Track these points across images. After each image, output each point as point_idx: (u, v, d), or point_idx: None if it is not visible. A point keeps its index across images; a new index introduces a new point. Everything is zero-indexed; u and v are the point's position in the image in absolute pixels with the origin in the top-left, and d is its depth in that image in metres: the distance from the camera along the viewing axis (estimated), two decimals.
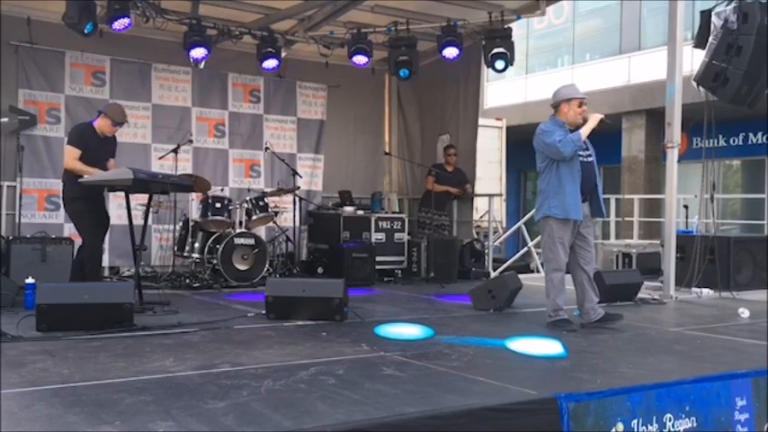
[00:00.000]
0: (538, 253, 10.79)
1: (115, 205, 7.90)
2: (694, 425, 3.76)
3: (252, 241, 8.15)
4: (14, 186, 8.11)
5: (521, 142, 12.83)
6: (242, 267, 8.07)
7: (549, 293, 5.70)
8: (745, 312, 6.63)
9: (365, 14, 9.15)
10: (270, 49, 9.00)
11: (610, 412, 3.52)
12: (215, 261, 7.99)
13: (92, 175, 6.18)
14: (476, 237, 10.49)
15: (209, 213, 8.22)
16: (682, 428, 3.72)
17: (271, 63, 9.08)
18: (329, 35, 9.46)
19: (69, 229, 7.49)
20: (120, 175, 6.01)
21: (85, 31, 7.38)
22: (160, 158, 8.55)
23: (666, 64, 7.90)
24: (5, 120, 7.94)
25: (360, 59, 9.10)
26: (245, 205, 8.44)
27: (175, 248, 8.37)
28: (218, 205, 8.26)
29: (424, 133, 11.00)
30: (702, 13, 7.17)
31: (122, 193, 6.37)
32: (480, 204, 11.49)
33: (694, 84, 7.18)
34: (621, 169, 16.99)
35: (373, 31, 9.19)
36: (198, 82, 9.42)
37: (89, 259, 6.39)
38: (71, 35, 7.57)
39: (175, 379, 3.75)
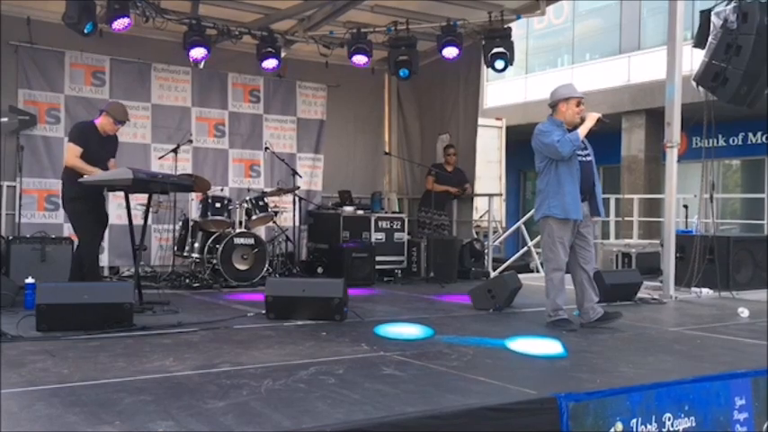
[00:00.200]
0: (537, 253, 10.79)
1: (115, 205, 7.92)
2: (693, 424, 3.76)
3: (252, 241, 8.16)
4: (14, 186, 8.11)
5: (520, 142, 12.78)
6: (242, 267, 8.07)
7: (549, 293, 5.70)
8: (744, 312, 6.63)
9: (365, 14, 9.15)
10: (270, 49, 9.00)
11: (609, 412, 3.53)
12: (215, 261, 7.99)
13: (92, 173, 6.19)
14: (475, 236, 10.49)
15: (209, 213, 8.22)
16: (681, 428, 3.73)
17: (270, 63, 9.08)
18: (329, 35, 9.45)
19: (69, 229, 7.47)
20: (120, 174, 6.01)
21: (85, 31, 7.38)
22: (160, 158, 8.55)
23: (666, 64, 7.91)
24: (5, 120, 7.94)
25: (359, 59, 9.10)
26: (245, 205, 8.45)
27: (175, 248, 8.38)
28: (217, 205, 8.26)
29: (423, 133, 11.00)
30: (702, 12, 7.16)
31: (122, 193, 6.38)
32: (480, 204, 11.49)
33: (694, 83, 7.17)
34: (621, 169, 16.99)
35: (373, 31, 9.19)
36: (198, 82, 9.42)
37: (86, 259, 6.39)
38: (71, 35, 7.56)
39: (175, 379, 3.75)
